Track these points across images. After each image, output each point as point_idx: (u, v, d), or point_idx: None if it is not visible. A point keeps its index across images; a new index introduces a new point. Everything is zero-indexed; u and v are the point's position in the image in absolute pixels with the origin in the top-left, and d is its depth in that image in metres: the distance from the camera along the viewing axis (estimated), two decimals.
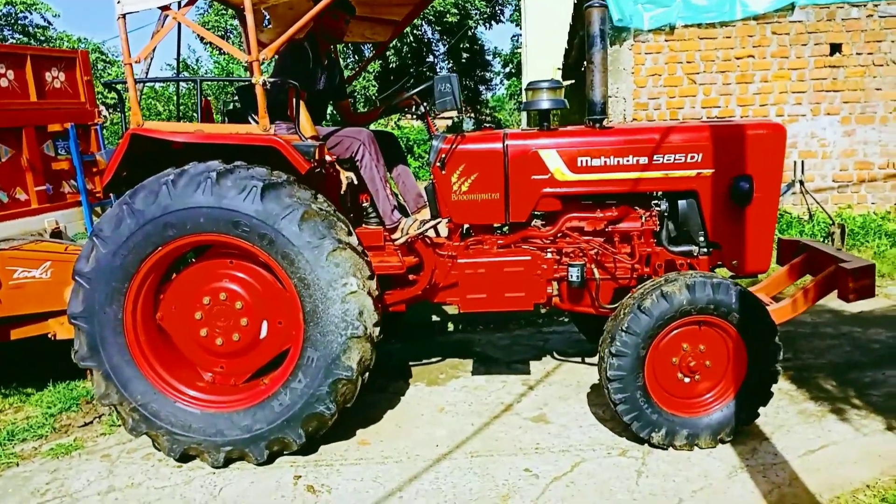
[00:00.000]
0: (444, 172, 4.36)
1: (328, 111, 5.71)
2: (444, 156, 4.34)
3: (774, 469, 3.63)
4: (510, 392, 4.78)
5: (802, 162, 8.35)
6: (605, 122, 4.37)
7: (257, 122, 4.22)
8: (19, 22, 24.16)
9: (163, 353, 4.08)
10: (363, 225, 4.75)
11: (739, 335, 3.78)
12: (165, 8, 4.06)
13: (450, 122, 22.33)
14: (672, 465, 3.71)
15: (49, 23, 26.07)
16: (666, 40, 8.42)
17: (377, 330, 3.93)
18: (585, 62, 4.29)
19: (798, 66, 8.33)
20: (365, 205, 4.80)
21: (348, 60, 25.92)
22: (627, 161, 4.23)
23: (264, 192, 3.73)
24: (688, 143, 4.20)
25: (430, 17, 25.32)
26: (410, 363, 5.46)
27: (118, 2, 4.05)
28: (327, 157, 4.27)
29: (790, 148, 8.40)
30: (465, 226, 4.57)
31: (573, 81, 13.43)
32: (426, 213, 4.67)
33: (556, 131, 4.42)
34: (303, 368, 3.82)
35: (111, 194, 4.45)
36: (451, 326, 6.20)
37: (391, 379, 5.14)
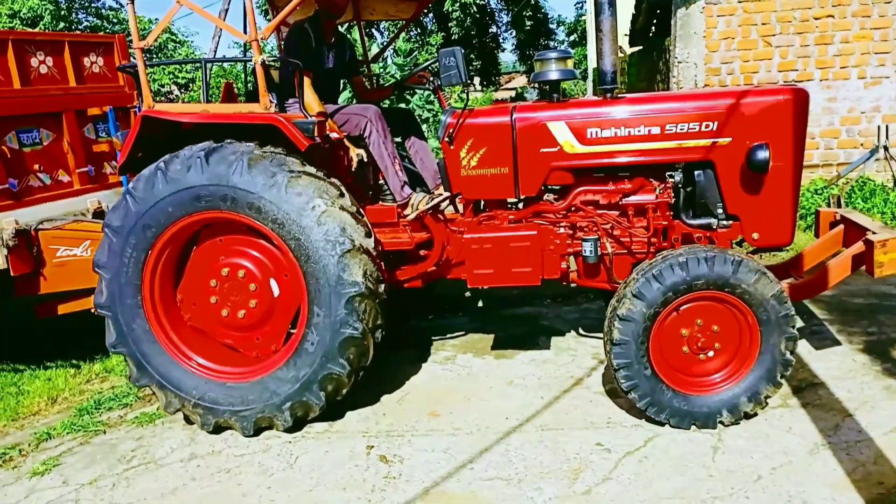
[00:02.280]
0: (452, 147, 4.33)
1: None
2: (451, 130, 4.31)
3: (858, 447, 3.51)
4: (580, 366, 4.74)
5: (886, 126, 7.94)
6: (616, 92, 4.24)
7: (273, 102, 4.38)
8: (93, 4, 24.91)
9: (197, 342, 4.27)
10: (379, 202, 4.77)
11: (752, 313, 3.65)
12: None
13: (513, 94, 22.06)
14: (750, 441, 3.63)
15: (121, 5, 26.84)
16: (739, 2, 8.07)
17: (381, 287, 4.00)
18: (595, 30, 4.15)
19: (881, 25, 7.88)
20: (381, 182, 4.82)
21: (410, 34, 25.83)
22: (639, 132, 4.10)
23: (250, 164, 3.85)
24: (702, 112, 4.05)
25: None
26: (478, 336, 5.47)
27: None
28: (334, 134, 4.31)
29: (873, 112, 7.99)
30: (481, 201, 4.54)
31: (641, 48, 13.07)
32: (442, 190, 4.66)
33: (566, 102, 4.32)
34: (312, 327, 3.91)
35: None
36: (517, 300, 6.18)
37: (459, 351, 5.17)
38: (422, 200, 4.51)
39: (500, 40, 30.86)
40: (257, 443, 4.06)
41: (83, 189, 6.00)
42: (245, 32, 4.19)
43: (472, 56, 26.91)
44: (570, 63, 4.32)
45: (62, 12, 24.01)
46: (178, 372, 4.15)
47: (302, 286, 3.94)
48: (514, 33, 30.31)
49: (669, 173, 4.22)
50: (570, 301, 6.12)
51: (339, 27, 5.15)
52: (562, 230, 4.37)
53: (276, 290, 4.17)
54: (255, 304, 4.17)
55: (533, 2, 27.58)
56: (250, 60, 4.11)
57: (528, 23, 28.88)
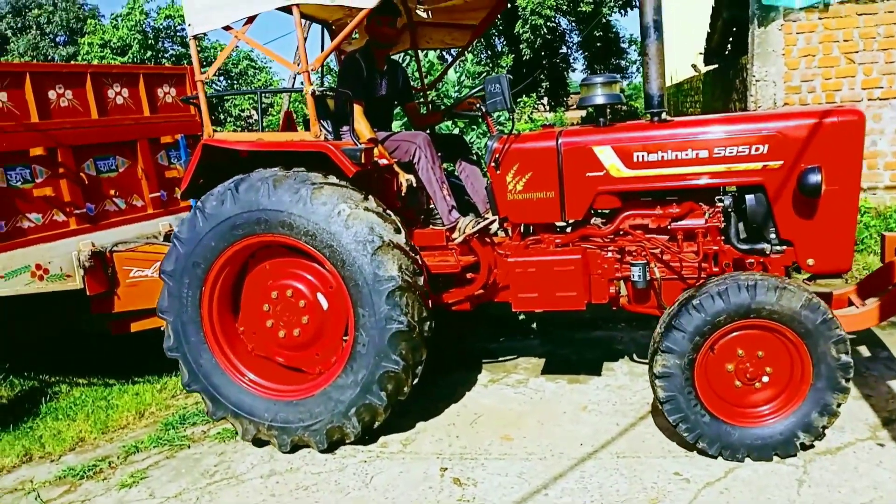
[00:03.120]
0: (498, 172, 4.38)
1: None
2: (497, 155, 4.36)
3: None
4: None
5: None
6: (664, 115, 4.18)
7: (329, 130, 4.66)
8: (178, 34, 26.03)
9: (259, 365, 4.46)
10: (430, 226, 4.83)
11: (803, 344, 3.51)
12: (228, 28, 4.33)
13: (583, 114, 21.94)
14: (837, 474, 3.49)
15: (205, 34, 27.91)
16: (820, 18, 7.85)
17: (419, 280, 4.10)
18: (640, 54, 4.11)
19: None
20: (431, 206, 4.88)
21: (481, 56, 26.05)
22: (686, 155, 4.03)
23: (275, 185, 4.03)
24: (752, 135, 3.94)
25: (564, 7, 24.96)
26: (551, 360, 5.45)
27: (189, 24, 4.44)
28: (383, 161, 4.44)
29: None
30: (530, 225, 4.55)
31: (716, 66, 12.83)
32: (491, 214, 4.68)
33: (612, 127, 4.28)
34: (360, 329, 4.02)
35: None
36: (591, 323, 6.12)
37: (531, 375, 5.15)
38: (468, 224, 4.57)
39: (571, 60, 30.81)
40: (334, 461, 4.14)
41: (155, 213, 6.32)
42: (298, 64, 4.34)
43: (542, 77, 26.92)
44: (616, 88, 4.33)
45: (150, 41, 25.18)
46: (249, 399, 4.30)
47: (345, 292, 4.05)
48: (584, 53, 30.22)
49: (719, 197, 4.14)
50: (646, 325, 6.02)
51: (397, 55, 5.29)
52: (609, 254, 4.36)
53: (324, 304, 4.29)
54: (308, 321, 4.29)
55: (604, 21, 27.45)
56: (302, 91, 4.26)
57: (599, 43, 28.77)
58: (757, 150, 3.94)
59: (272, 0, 4.17)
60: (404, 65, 7.14)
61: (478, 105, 5.10)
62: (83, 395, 5.81)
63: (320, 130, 4.30)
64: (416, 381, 4.17)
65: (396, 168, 4.68)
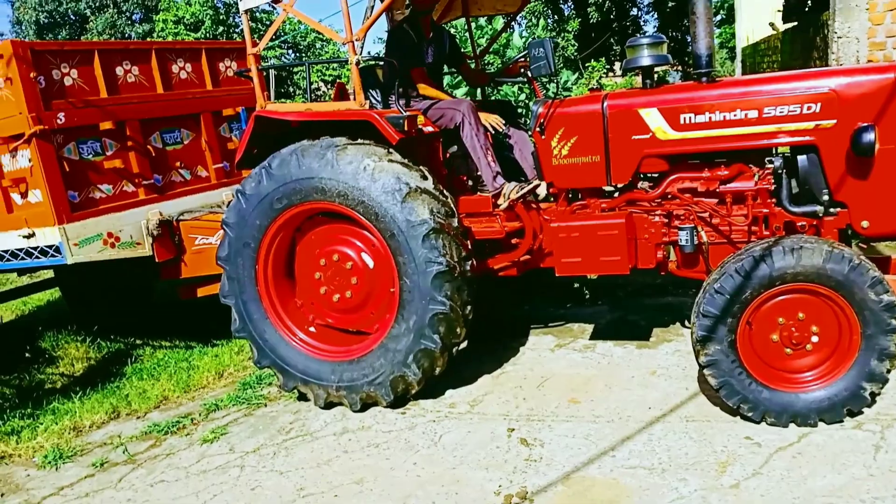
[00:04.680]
0: (543, 137, 4.35)
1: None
2: (542, 121, 4.34)
3: None
4: None
5: None
6: (713, 75, 4.06)
7: (378, 100, 4.75)
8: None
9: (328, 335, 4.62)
10: (478, 192, 4.82)
11: (840, 296, 3.39)
12: (276, 1, 4.43)
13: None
14: None
15: (256, 8, 28.22)
16: None
17: (453, 221, 4.18)
18: (688, 12, 3.98)
19: None
20: (478, 173, 4.86)
21: (548, 21, 25.56)
22: (735, 116, 3.91)
23: (303, 154, 4.19)
24: (803, 94, 3.80)
25: None
26: (620, 325, 5.41)
27: (240, 0, 4.53)
28: (429, 129, 4.48)
29: None
30: (576, 190, 4.50)
31: (796, 24, 12.27)
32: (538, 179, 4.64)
33: (658, 89, 4.18)
34: (404, 277, 4.13)
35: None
36: (661, 289, 6.03)
37: (599, 339, 5.13)
38: (513, 190, 4.55)
39: (641, 23, 29.92)
40: (404, 420, 4.25)
41: (219, 183, 6.53)
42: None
43: (612, 41, 26.24)
44: (663, 48, 4.24)
45: (221, 17, 25.69)
46: (315, 364, 4.47)
47: (384, 245, 4.15)
48: (655, 16, 29.28)
49: (769, 158, 4.00)
50: None
51: (449, 23, 5.29)
52: (657, 219, 4.29)
53: (370, 263, 4.40)
54: (357, 281, 4.42)
55: None
56: (348, 62, 4.30)
57: (671, 3, 27.80)
58: (809, 108, 3.82)
59: None
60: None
61: (522, 69, 5.06)
62: (166, 356, 6.10)
63: (367, 99, 4.36)
64: (468, 322, 4.24)
65: (484, 115, 4.71)
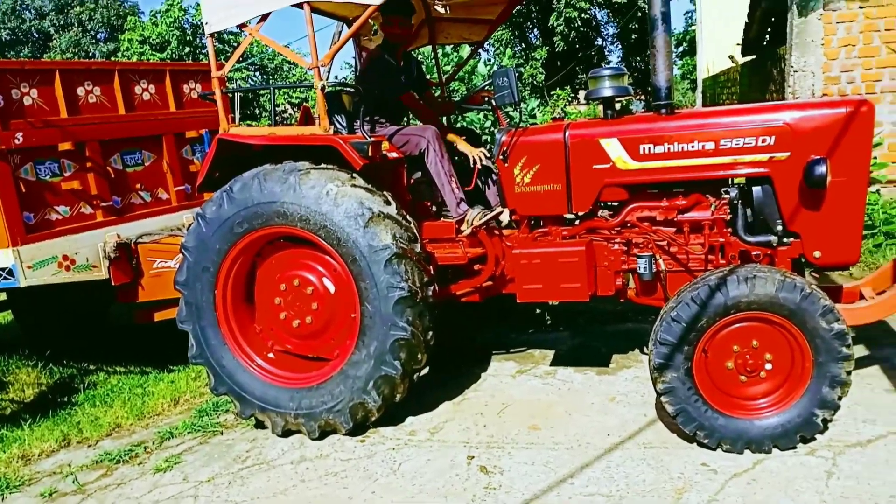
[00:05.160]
0: (506, 165, 4.41)
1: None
2: (505, 149, 4.40)
3: None
4: None
5: None
6: (672, 107, 4.18)
7: (343, 125, 4.74)
8: None
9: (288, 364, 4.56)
10: (442, 218, 4.83)
11: (805, 337, 3.47)
12: (243, 25, 4.44)
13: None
14: (867, 467, 3.44)
15: (222, 31, 28.16)
16: (860, 7, 7.68)
17: (416, 246, 4.16)
18: (649, 46, 4.11)
19: None
20: (442, 199, 4.88)
21: (515, 49, 25.94)
22: (693, 147, 4.01)
23: (265, 178, 4.16)
24: (758, 126, 3.91)
25: None
26: (580, 351, 5.44)
27: (206, 23, 4.53)
28: (393, 154, 4.50)
29: None
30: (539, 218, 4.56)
31: (754, 57, 12.62)
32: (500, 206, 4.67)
33: (619, 119, 4.28)
34: (365, 302, 4.10)
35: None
36: (621, 316, 6.08)
37: (559, 366, 5.15)
38: (476, 216, 4.57)
39: (606, 53, 30.52)
40: (363, 448, 4.20)
41: (180, 206, 6.47)
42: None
43: (577, 69, 26.70)
44: (624, 80, 4.35)
45: (188, 37, 25.60)
46: (273, 391, 4.40)
47: (346, 270, 4.13)
48: (619, 45, 29.90)
49: (726, 189, 4.10)
50: None
51: (415, 50, 5.36)
52: (616, 246, 4.36)
53: (331, 288, 4.36)
54: (318, 307, 4.37)
55: (640, 14, 27.13)
56: (312, 87, 4.32)
57: (635, 35, 28.44)
58: (763, 141, 3.92)
59: None
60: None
61: (486, 98, 5.12)
62: (120, 382, 5.97)
63: (332, 125, 4.36)
64: (429, 348, 4.21)
65: (464, 146, 4.75)
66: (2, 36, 35.97)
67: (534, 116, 11.68)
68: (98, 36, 37.63)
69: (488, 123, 9.21)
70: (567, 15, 24.18)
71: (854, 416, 3.92)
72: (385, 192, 4.23)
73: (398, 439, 4.27)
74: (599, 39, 29.33)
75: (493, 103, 4.63)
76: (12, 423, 5.21)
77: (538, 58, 24.79)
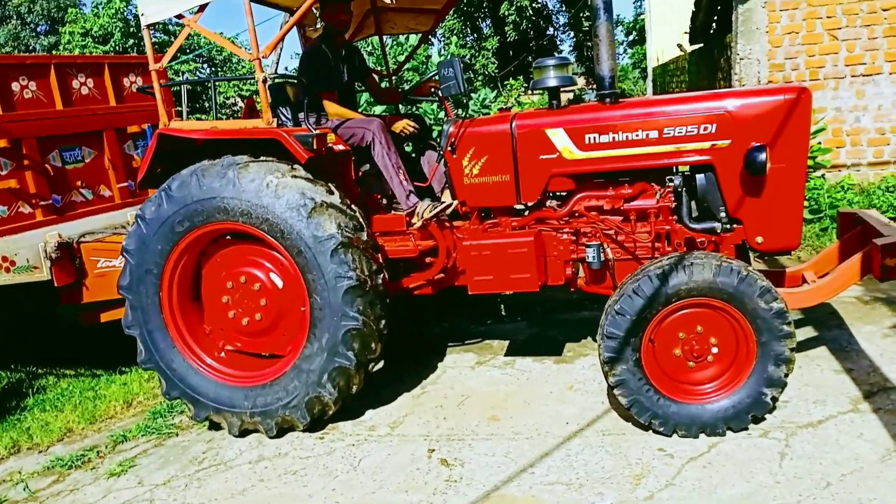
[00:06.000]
0: (455, 156, 4.42)
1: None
2: (453, 140, 4.41)
3: None
4: None
5: None
6: (616, 96, 4.23)
7: (289, 118, 4.71)
8: (159, 22, 25.77)
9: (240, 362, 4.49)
10: (392, 211, 4.81)
11: (746, 319, 3.56)
12: (180, 16, 4.36)
13: (570, 96, 21.93)
14: (818, 447, 3.53)
15: (158, 23, 27.58)
16: None
17: (362, 235, 4.12)
18: (591, 36, 4.17)
19: None
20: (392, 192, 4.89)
21: (466, 39, 25.92)
22: (637, 136, 4.07)
23: (203, 174, 4.08)
24: (699, 114, 3.99)
25: None
26: (538, 341, 5.47)
27: (142, 14, 4.44)
28: (339, 147, 4.46)
29: None
30: (489, 208, 4.58)
31: (702, 45, 12.82)
32: (448, 196, 4.68)
33: (564, 109, 4.32)
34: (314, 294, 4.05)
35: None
36: (578, 304, 6.14)
37: (518, 356, 5.17)
38: (426, 209, 4.56)
39: (558, 42, 30.69)
40: (322, 445, 4.16)
41: (123, 203, 6.32)
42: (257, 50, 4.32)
43: (529, 59, 26.79)
44: (569, 69, 4.37)
45: (131, 29, 24.92)
46: (227, 391, 4.32)
47: (292, 263, 4.07)
48: (571, 34, 30.09)
49: (670, 177, 4.16)
50: None
51: (363, 42, 5.32)
52: (565, 236, 4.39)
53: (279, 283, 4.31)
54: (266, 303, 4.31)
55: (590, 2, 27.38)
56: (253, 79, 4.26)
57: (586, 23, 28.64)
58: (705, 129, 3.98)
59: None
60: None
61: (433, 89, 5.10)
62: (70, 386, 5.80)
63: (277, 117, 4.29)
64: (383, 337, 4.18)
65: (394, 127, 4.70)
66: None
67: (487, 107, 11.70)
68: (38, 29, 36.43)
69: (442, 114, 9.19)
70: (518, 4, 24.22)
71: (804, 397, 4.03)
72: (328, 183, 4.17)
73: (358, 435, 4.24)
74: (551, 29, 29.49)
75: (440, 94, 4.62)
76: None
77: (489, 47, 24.79)
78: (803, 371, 4.32)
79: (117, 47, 23.90)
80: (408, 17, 5.75)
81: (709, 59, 11.67)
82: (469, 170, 4.41)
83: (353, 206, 4.21)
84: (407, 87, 6.87)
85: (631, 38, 36.45)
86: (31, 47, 34.47)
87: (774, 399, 3.63)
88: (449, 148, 4.43)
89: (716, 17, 11.53)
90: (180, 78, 15.88)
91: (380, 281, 4.14)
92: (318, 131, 4.21)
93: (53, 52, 29.61)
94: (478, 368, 5.03)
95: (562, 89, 4.39)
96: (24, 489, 4.11)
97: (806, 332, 4.93)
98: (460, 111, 5.57)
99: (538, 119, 4.29)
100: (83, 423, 4.95)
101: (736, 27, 8.07)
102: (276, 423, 4.22)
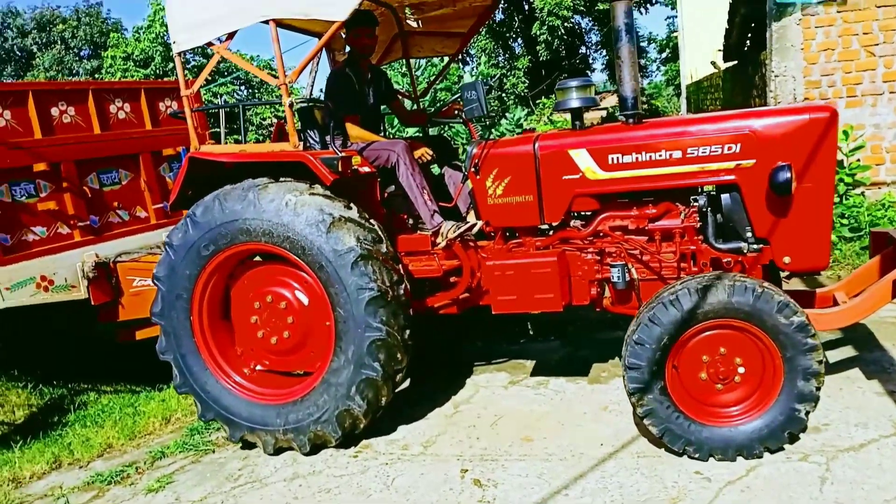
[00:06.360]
0: (478, 177, 4.44)
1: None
2: (477, 161, 4.43)
3: None
4: None
5: None
6: (639, 116, 4.23)
7: (317, 140, 4.80)
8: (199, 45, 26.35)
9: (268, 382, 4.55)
10: (418, 231, 4.84)
11: (768, 336, 3.50)
12: (209, 44, 4.48)
13: (603, 114, 21.89)
14: (860, 472, 3.45)
15: (189, 50, 28.16)
16: (838, 11, 7.77)
17: (382, 247, 4.16)
18: (614, 57, 4.17)
19: None
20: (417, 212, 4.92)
21: (498, 59, 26.03)
22: (660, 156, 4.04)
23: (225, 198, 4.19)
24: (724, 134, 3.94)
25: (582, 7, 24.84)
26: (571, 361, 5.44)
27: (174, 42, 4.56)
28: (365, 169, 4.51)
29: None
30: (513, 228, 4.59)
31: (736, 63, 12.73)
32: (473, 216, 4.70)
33: (587, 130, 4.32)
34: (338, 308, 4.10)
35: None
36: (613, 324, 6.10)
37: (552, 376, 5.15)
38: (450, 229, 4.58)
39: (590, 61, 30.71)
40: (356, 464, 4.18)
41: (159, 224, 6.46)
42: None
43: (561, 78, 26.84)
44: (591, 90, 4.38)
45: (171, 53, 25.57)
46: (259, 410, 4.38)
47: (315, 279, 4.13)
48: (604, 53, 30.07)
49: (695, 197, 4.13)
50: None
51: (389, 65, 5.40)
52: (589, 256, 4.37)
53: (305, 300, 4.36)
54: (293, 320, 4.37)
55: (613, 25, 27.37)
56: (281, 104, 4.34)
57: None
58: (729, 149, 3.95)
59: (250, 16, 4.24)
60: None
61: (457, 111, 5.15)
62: (111, 402, 5.93)
63: (302, 140, 4.38)
64: (408, 348, 4.20)
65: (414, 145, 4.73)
66: None
67: (520, 126, 11.75)
68: (81, 53, 37.48)
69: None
70: (550, 23, 24.28)
71: (846, 420, 3.95)
72: (346, 199, 4.23)
73: (391, 454, 4.25)
74: (583, 47, 29.51)
75: (464, 116, 4.65)
76: (2, 445, 5.17)
77: (521, 66, 24.87)
78: (844, 393, 4.24)
79: (158, 71, 24.48)
80: (434, 40, 5.83)
81: (743, 77, 11.59)
82: (493, 190, 4.44)
83: (371, 220, 4.26)
84: (440, 106, 6.93)
85: (664, 55, 36.32)
86: (74, 71, 35.45)
87: (808, 414, 3.56)
88: (473, 169, 4.46)
89: (749, 35, 11.46)
90: (219, 100, 16.22)
91: (401, 292, 4.18)
92: (343, 154, 4.28)
93: (96, 75, 30.42)
94: (511, 388, 5.02)
95: (591, 109, 4.41)
96: (66, 503, 4.19)
97: (846, 354, 4.83)
98: (482, 132, 5.62)
99: (561, 140, 4.31)
100: (123, 439, 5.04)
101: (770, 44, 8.01)
102: (309, 438, 4.25)
